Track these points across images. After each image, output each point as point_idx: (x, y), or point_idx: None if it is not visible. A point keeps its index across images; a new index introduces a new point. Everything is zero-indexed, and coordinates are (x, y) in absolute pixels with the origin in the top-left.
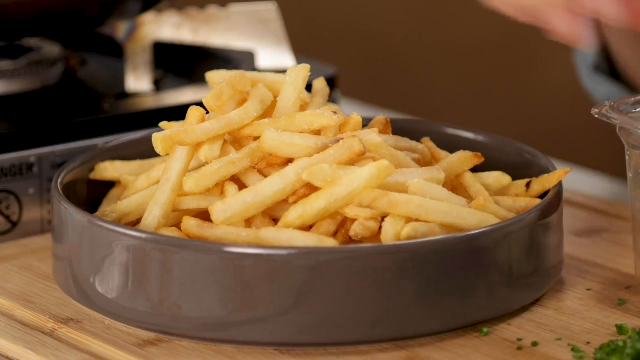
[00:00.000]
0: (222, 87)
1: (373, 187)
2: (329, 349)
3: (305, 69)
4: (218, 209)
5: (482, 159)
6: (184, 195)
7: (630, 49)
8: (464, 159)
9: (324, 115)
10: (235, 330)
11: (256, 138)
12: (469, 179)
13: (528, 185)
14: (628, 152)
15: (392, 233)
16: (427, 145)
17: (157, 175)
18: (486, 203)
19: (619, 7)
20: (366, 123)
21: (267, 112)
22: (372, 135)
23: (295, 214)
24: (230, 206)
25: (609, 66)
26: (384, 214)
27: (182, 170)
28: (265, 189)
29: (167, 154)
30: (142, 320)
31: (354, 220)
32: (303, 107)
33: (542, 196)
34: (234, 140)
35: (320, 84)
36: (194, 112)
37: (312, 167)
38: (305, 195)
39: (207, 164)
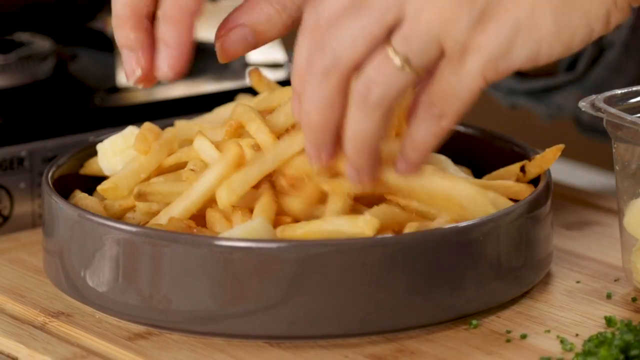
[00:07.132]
0: (143, 132)
1: None
2: (318, 341)
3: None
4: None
5: None
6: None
7: None
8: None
9: None
10: (225, 323)
11: None
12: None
13: (522, 169)
14: (615, 145)
15: None
16: None
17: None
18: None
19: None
20: None
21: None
22: None
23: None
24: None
25: None
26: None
27: (218, 179)
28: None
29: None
30: (133, 313)
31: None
32: None
33: (534, 184)
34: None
35: None
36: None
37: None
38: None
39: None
